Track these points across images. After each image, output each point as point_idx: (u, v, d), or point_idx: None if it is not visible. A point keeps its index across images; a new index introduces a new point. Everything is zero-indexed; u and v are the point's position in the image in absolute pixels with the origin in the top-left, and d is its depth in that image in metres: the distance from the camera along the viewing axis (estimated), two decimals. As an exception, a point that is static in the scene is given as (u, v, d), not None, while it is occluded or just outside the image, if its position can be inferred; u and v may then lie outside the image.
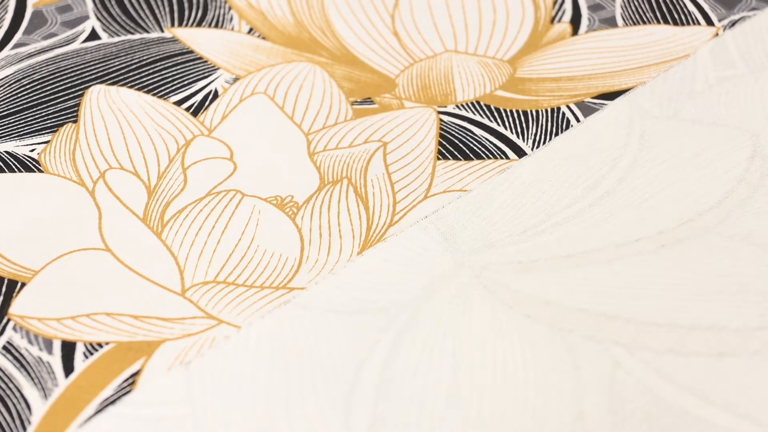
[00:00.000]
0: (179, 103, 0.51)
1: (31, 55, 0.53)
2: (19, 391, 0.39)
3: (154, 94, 0.51)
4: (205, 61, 0.53)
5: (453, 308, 0.41)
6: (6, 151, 0.48)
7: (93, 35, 0.55)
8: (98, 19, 0.55)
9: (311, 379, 0.39)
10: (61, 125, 0.49)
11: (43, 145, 0.48)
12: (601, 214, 0.44)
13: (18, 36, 0.54)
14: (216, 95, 0.51)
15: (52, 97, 0.51)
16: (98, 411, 0.38)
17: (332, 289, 0.42)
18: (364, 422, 0.37)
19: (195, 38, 0.55)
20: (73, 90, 0.51)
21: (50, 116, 0.50)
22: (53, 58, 0.53)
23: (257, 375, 0.39)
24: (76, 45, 0.54)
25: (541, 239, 0.44)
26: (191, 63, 0.53)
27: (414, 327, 0.40)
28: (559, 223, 0.44)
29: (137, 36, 0.55)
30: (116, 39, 0.54)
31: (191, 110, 0.50)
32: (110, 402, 0.39)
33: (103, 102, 0.50)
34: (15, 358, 0.40)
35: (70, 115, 0.50)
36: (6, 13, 0.55)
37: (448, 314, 0.41)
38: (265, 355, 0.40)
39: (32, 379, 0.39)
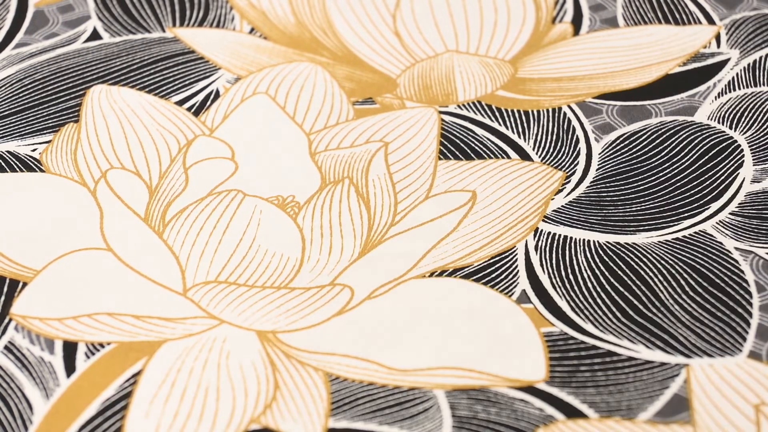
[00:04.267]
0: (181, 103, 0.51)
1: (32, 55, 0.53)
2: (20, 390, 0.39)
3: (155, 94, 0.51)
4: (207, 61, 0.53)
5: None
6: (8, 151, 0.48)
7: (94, 35, 0.55)
8: (100, 19, 0.55)
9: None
10: (63, 125, 0.49)
11: (45, 145, 0.48)
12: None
13: (20, 36, 0.54)
14: (217, 95, 0.51)
15: (54, 96, 0.51)
16: (100, 412, 0.38)
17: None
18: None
19: (196, 38, 0.55)
20: (74, 90, 0.51)
21: (52, 116, 0.50)
22: (55, 57, 0.53)
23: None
24: (77, 45, 0.54)
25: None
26: (193, 63, 0.53)
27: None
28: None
29: (138, 36, 0.55)
30: (118, 39, 0.54)
31: (193, 110, 0.50)
32: (112, 402, 0.39)
33: (104, 102, 0.50)
34: (17, 358, 0.40)
35: (71, 115, 0.50)
36: (8, 12, 0.55)
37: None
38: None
39: (34, 379, 0.39)
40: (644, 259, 0.44)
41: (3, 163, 0.47)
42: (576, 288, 0.43)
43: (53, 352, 0.40)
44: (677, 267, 0.43)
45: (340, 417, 0.38)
